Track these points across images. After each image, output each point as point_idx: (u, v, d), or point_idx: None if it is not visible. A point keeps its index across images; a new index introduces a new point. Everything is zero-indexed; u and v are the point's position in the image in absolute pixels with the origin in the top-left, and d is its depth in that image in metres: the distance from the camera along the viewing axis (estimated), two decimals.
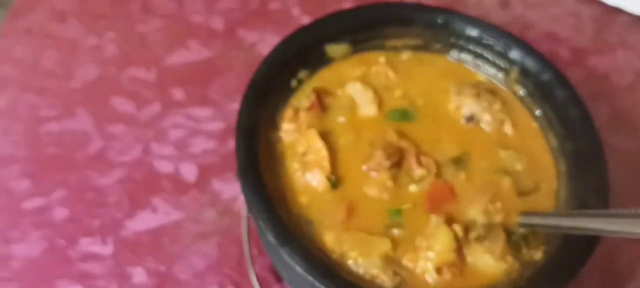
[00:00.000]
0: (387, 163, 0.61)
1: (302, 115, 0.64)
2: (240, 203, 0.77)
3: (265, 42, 0.94)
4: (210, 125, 0.84)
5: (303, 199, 0.61)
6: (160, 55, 0.91)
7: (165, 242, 0.74)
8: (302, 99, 0.66)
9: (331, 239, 0.58)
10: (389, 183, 0.61)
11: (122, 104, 0.86)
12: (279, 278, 0.71)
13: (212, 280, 0.71)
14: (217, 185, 0.79)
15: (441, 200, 0.61)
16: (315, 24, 0.68)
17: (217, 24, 0.96)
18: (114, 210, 0.76)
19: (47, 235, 0.74)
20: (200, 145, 0.82)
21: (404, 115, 0.67)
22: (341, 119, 0.66)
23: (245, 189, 0.56)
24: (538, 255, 0.58)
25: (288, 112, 0.65)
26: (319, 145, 0.62)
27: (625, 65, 0.96)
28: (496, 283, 0.56)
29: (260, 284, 0.69)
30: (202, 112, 0.85)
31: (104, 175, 0.79)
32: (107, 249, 0.73)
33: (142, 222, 0.75)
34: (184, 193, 0.78)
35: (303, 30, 0.67)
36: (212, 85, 0.88)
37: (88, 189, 0.78)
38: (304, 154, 0.62)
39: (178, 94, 0.87)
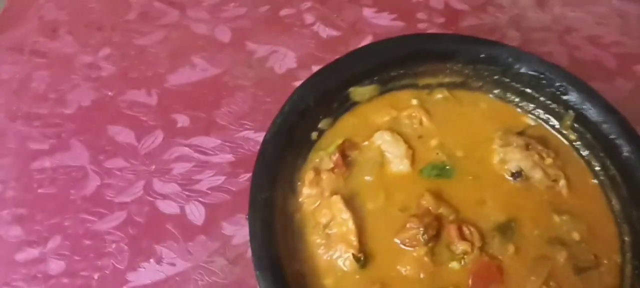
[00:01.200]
0: (423, 237, 0.53)
1: (325, 177, 0.56)
2: None
3: (278, 55, 0.85)
4: (218, 157, 0.76)
5: (328, 282, 0.53)
6: (161, 74, 0.82)
7: None
8: (324, 157, 0.57)
9: None
10: (426, 259, 0.53)
11: (121, 133, 0.77)
12: None
13: None
14: (227, 228, 0.71)
15: (488, 282, 0.53)
16: (337, 64, 0.59)
17: (224, 34, 0.86)
18: (115, 261, 0.69)
19: None
20: (207, 181, 0.74)
21: (441, 171, 0.58)
22: (368, 178, 0.58)
23: (263, 284, 0.47)
24: None
25: (308, 174, 0.56)
26: (345, 216, 0.53)
27: None
28: None
29: None
30: (209, 141, 0.77)
31: (102, 219, 0.71)
32: None
33: (146, 275, 0.68)
34: (190, 239, 0.70)
35: (323, 73, 0.58)
36: (220, 109, 0.80)
37: (85, 236, 0.70)
38: (327, 226, 0.54)
39: (182, 120, 0.79)
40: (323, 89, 0.58)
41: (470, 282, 0.53)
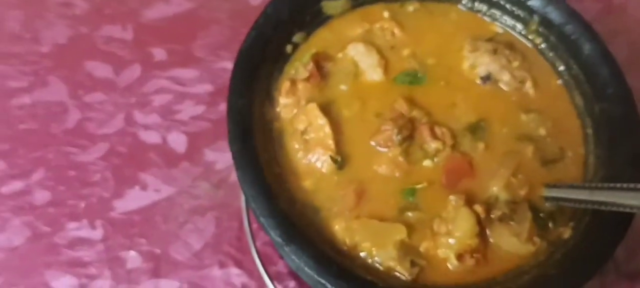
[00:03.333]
0: (397, 137, 0.55)
1: (301, 87, 0.58)
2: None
3: None
4: (197, 88, 0.77)
5: (307, 184, 0.55)
6: (136, 9, 0.83)
7: (158, 221, 0.69)
8: (299, 68, 0.59)
9: (341, 229, 0.53)
10: (401, 159, 0.56)
11: (98, 68, 0.78)
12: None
13: (211, 259, 0.67)
14: (209, 155, 0.73)
15: (459, 176, 0.55)
16: None
17: None
18: (100, 189, 0.70)
19: (30, 221, 0.68)
20: (187, 111, 0.76)
21: (413, 78, 0.60)
22: (343, 87, 0.60)
23: (243, 182, 0.50)
24: (567, 233, 0.54)
25: (284, 85, 0.58)
26: (321, 121, 0.56)
27: None
28: (523, 268, 0.52)
29: (262, 261, 0.64)
30: (187, 73, 0.78)
31: (85, 150, 0.72)
32: (96, 233, 0.68)
33: (132, 201, 0.70)
34: (174, 166, 0.72)
35: None
36: (196, 41, 0.81)
37: (69, 167, 0.71)
38: (304, 132, 0.56)
39: (159, 53, 0.79)
40: (295, 2, 0.59)
41: (443, 177, 0.55)
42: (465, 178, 0.55)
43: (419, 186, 0.54)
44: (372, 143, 0.56)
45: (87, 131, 0.74)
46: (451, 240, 0.51)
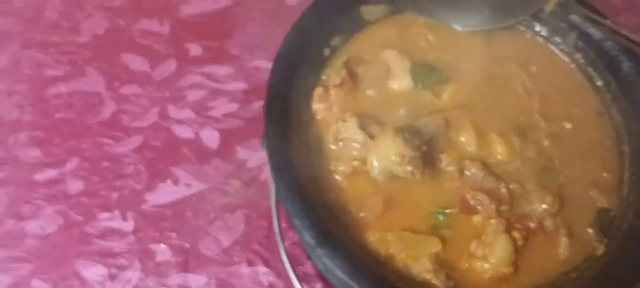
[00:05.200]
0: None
1: (333, 93, 0.58)
2: (267, 173, 0.72)
3: None
4: (231, 85, 0.78)
5: (340, 186, 0.55)
6: (174, 4, 0.84)
7: (189, 216, 0.69)
8: (332, 74, 0.59)
9: (375, 240, 0.53)
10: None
11: (135, 61, 0.79)
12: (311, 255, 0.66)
13: (239, 256, 0.67)
14: (241, 152, 0.73)
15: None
16: None
17: None
18: (133, 181, 0.71)
19: (63, 210, 0.69)
20: (221, 108, 0.76)
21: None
22: (374, 92, 0.60)
23: (279, 183, 0.50)
24: (600, 249, 0.53)
25: (317, 90, 0.58)
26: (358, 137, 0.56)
27: None
28: (556, 284, 0.52)
29: (290, 261, 0.64)
30: (222, 70, 0.79)
31: (119, 142, 0.73)
32: (127, 225, 0.69)
33: (163, 194, 0.71)
34: (206, 162, 0.73)
35: None
36: (232, 39, 0.81)
37: (103, 158, 0.72)
38: (341, 140, 0.56)
39: (194, 49, 0.80)
40: (335, 6, 0.59)
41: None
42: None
43: (448, 211, 0.54)
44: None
45: (121, 123, 0.75)
46: (486, 265, 0.51)
